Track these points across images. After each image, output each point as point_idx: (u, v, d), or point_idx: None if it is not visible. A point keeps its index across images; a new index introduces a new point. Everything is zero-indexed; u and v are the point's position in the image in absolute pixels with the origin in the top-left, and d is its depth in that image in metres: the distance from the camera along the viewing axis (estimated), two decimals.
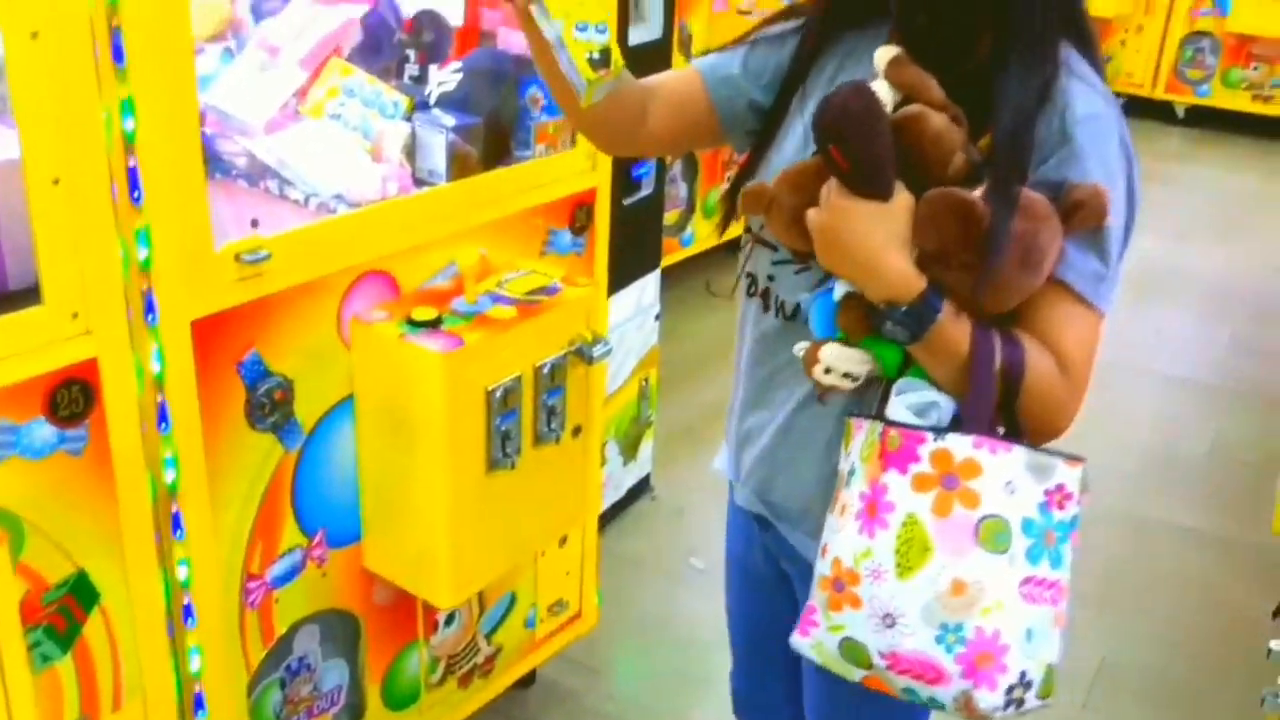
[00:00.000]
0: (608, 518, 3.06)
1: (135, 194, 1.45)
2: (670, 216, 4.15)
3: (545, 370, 1.86)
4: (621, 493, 3.20)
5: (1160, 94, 7.37)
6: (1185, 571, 3.16)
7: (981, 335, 1.17)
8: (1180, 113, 7.43)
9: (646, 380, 3.15)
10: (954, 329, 1.17)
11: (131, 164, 1.43)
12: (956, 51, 1.23)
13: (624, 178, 2.79)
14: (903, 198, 1.17)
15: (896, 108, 1.18)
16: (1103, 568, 3.09)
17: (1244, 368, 4.37)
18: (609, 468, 3.04)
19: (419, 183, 2.02)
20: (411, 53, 2.15)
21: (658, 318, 3.15)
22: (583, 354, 1.92)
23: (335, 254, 1.75)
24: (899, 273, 1.16)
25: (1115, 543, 3.22)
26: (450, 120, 2.00)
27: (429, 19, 2.16)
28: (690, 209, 4.44)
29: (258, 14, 2.19)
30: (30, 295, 1.43)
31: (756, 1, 4.26)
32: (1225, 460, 3.73)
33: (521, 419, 1.85)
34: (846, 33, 1.37)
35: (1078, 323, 1.21)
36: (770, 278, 1.38)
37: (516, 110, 2.11)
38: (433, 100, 2.06)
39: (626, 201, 2.81)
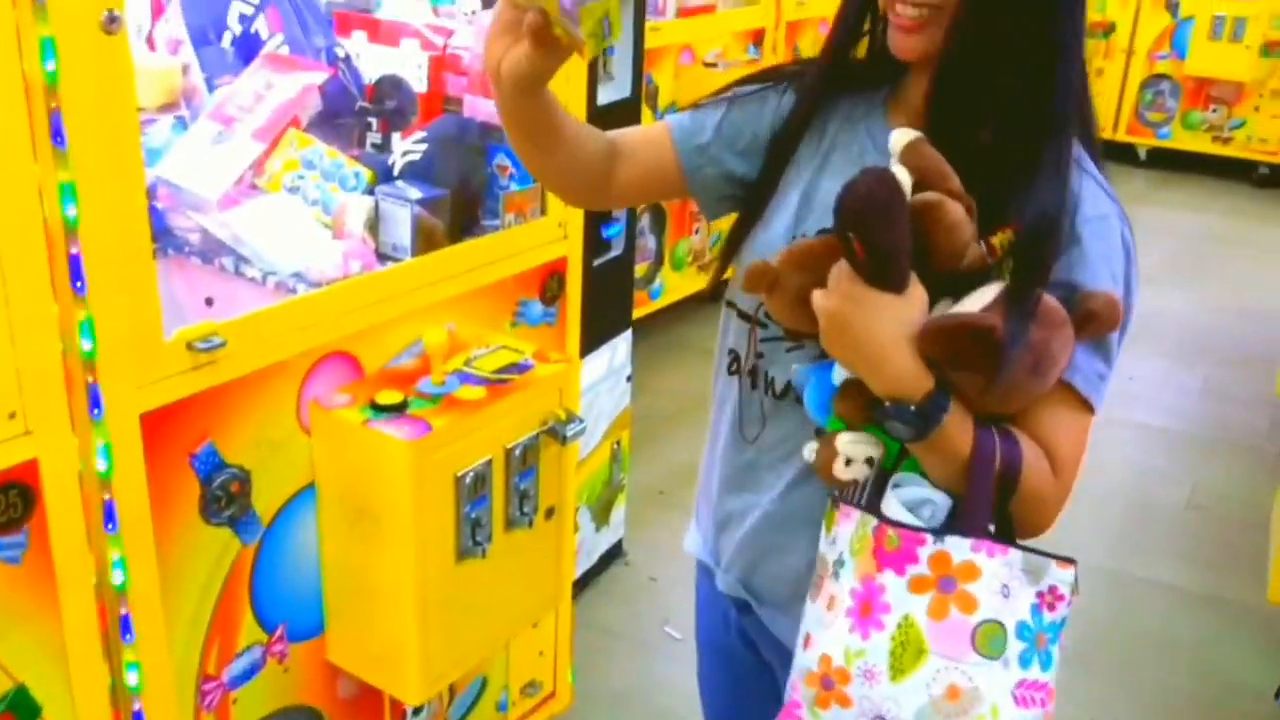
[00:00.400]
0: (580, 585, 2.97)
1: (78, 283, 1.36)
2: (639, 269, 4.09)
3: (517, 452, 1.79)
4: (594, 559, 3.11)
5: (1122, 136, 7.44)
6: (1172, 633, 3.10)
7: (984, 436, 1.12)
8: (1142, 154, 7.50)
9: (618, 443, 3.07)
10: (958, 430, 1.12)
11: (73, 251, 1.35)
12: (966, 132, 1.17)
13: (594, 236, 2.72)
14: (917, 292, 1.11)
15: (910, 192, 1.12)
16: (1087, 627, 3.02)
17: (1218, 414, 4.34)
18: (581, 534, 2.95)
19: (383, 258, 1.93)
20: (373, 120, 2.08)
21: (629, 378, 3.07)
22: (556, 433, 1.85)
23: (295, 336, 1.67)
24: (908, 370, 1.11)
25: (1098, 601, 3.16)
26: (415, 192, 1.92)
27: (391, 85, 2.09)
28: (659, 261, 4.39)
29: (211, 82, 2.10)
30: None
31: (723, 54, 4.24)
32: (1205, 513, 3.68)
33: (492, 504, 1.77)
34: (840, 99, 1.32)
35: (1076, 424, 1.19)
36: (759, 355, 1.33)
37: (484, 179, 2.04)
38: (396, 171, 1.99)
39: (596, 263, 2.74)
